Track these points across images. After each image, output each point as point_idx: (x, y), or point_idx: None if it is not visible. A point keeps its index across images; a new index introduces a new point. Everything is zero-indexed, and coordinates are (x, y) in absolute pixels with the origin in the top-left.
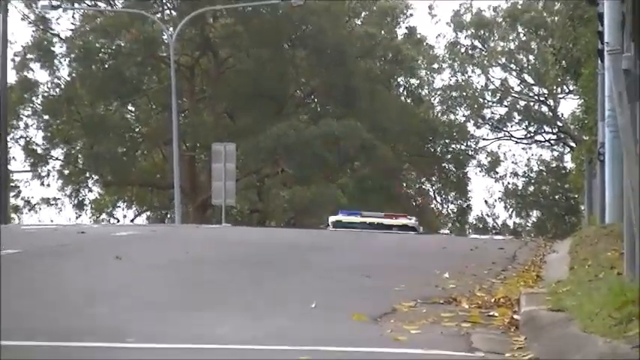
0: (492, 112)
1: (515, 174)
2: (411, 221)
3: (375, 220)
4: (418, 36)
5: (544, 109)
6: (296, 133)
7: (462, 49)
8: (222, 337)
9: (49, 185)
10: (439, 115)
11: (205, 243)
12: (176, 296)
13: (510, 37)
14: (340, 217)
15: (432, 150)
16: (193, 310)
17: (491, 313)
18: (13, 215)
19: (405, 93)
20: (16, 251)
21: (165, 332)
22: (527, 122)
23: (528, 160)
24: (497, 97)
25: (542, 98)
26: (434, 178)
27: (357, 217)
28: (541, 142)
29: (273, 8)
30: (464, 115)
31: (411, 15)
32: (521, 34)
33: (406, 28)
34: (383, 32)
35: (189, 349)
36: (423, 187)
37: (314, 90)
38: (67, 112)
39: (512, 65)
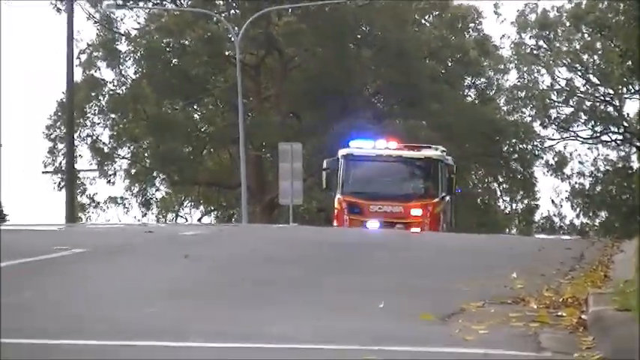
0: (558, 112)
1: (582, 174)
2: (437, 152)
3: (393, 153)
4: (486, 40)
5: (610, 109)
6: (360, 132)
7: (527, 50)
8: (290, 335)
9: (114, 184)
10: (505, 115)
11: (272, 242)
12: (243, 294)
13: (575, 38)
14: (352, 149)
15: (499, 150)
16: (260, 308)
17: (559, 314)
18: (80, 214)
19: (471, 93)
20: (83, 250)
21: (233, 331)
22: (593, 122)
23: (595, 160)
24: (563, 97)
25: (607, 98)
26: (500, 178)
27: (371, 148)
28: (607, 142)
29: (336, 6)
30: (530, 115)
31: (480, 22)
32: (586, 35)
33: (476, 34)
34: (451, 35)
35: (255, 348)
36: (490, 186)
37: (379, 89)
38: (132, 110)
39: (577, 65)
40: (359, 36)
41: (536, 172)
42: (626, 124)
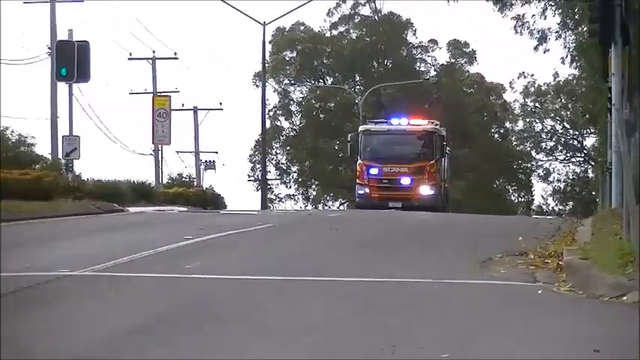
0: (546, 145)
1: (559, 180)
2: (431, 125)
3: (398, 127)
4: (506, 103)
5: (576, 142)
6: None
7: (529, 108)
8: (396, 275)
9: (289, 187)
10: (515, 146)
11: (385, 221)
12: (368, 253)
13: (557, 101)
14: (369, 126)
15: (511, 166)
16: (377, 261)
17: (546, 261)
18: (269, 205)
19: (496, 134)
20: (271, 225)
21: (365, 272)
22: (566, 150)
23: (566, 172)
24: (549, 136)
25: (574, 136)
26: (512, 183)
27: (386, 125)
28: (575, 162)
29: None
30: (529, 147)
31: (503, 92)
32: (563, 99)
33: (501, 100)
34: (486, 99)
35: (378, 281)
36: (505, 187)
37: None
38: (299, 145)
39: (557, 117)
40: (435, 97)
41: (533, 179)
42: (586, 151)
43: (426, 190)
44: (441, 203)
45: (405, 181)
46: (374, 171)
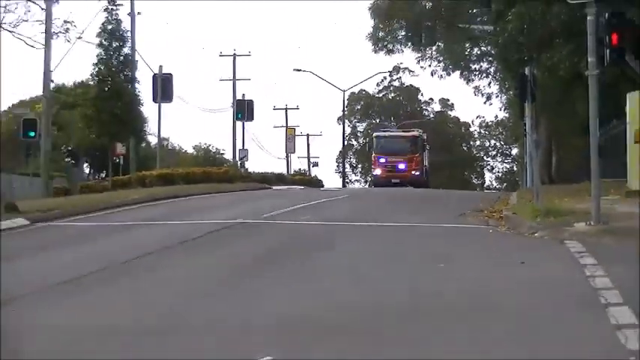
0: (491, 152)
1: (499, 171)
2: (418, 132)
3: (397, 134)
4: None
5: (507, 152)
6: None
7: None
8: (410, 222)
9: (357, 175)
10: (475, 154)
11: (400, 192)
12: (393, 207)
13: (497, 130)
14: (378, 132)
15: (474, 165)
16: (398, 212)
17: (494, 214)
18: (346, 185)
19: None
20: (347, 195)
21: (391, 221)
22: (502, 156)
23: (503, 168)
24: (493, 148)
25: (506, 148)
26: (474, 174)
27: (387, 132)
28: (507, 162)
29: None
30: (482, 154)
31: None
32: (500, 129)
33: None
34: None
35: (396, 225)
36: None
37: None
38: (362, 154)
39: (497, 138)
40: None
41: (485, 171)
42: (512, 156)
43: (414, 172)
44: (424, 180)
45: (401, 166)
46: (382, 160)
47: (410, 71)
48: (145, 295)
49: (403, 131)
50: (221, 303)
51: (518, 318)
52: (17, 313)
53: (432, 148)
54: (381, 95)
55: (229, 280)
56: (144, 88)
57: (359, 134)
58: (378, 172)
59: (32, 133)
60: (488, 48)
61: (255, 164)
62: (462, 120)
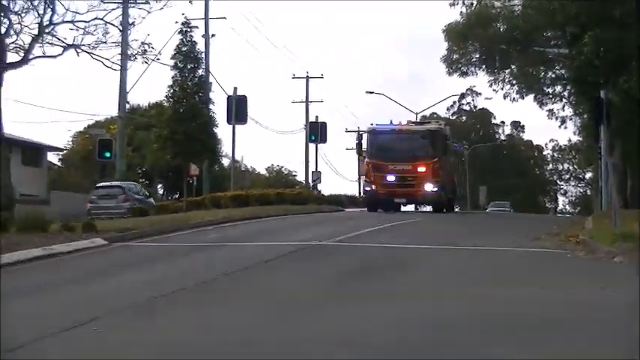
0: (564, 176)
1: (572, 195)
2: (436, 125)
3: (402, 128)
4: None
5: (581, 176)
6: None
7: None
8: (482, 244)
9: None
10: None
11: (466, 216)
12: (467, 235)
13: (570, 154)
14: (374, 127)
15: (547, 189)
16: (474, 236)
17: (570, 239)
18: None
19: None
20: (419, 219)
21: (468, 244)
22: (575, 180)
23: (576, 192)
24: (567, 172)
25: (580, 172)
26: (547, 197)
27: (387, 126)
28: (580, 186)
29: None
30: (556, 177)
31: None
32: (573, 152)
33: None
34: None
35: (474, 249)
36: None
37: None
38: None
39: (571, 162)
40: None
41: (558, 195)
42: (585, 180)
43: (430, 186)
44: (446, 199)
45: (410, 177)
46: (380, 168)
47: (478, 94)
48: (225, 316)
49: (413, 123)
50: (301, 325)
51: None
52: (99, 332)
53: (498, 168)
54: (454, 118)
55: (310, 301)
56: (218, 110)
57: None
58: (372, 186)
59: (108, 154)
60: (563, 71)
61: (327, 186)
62: (534, 143)
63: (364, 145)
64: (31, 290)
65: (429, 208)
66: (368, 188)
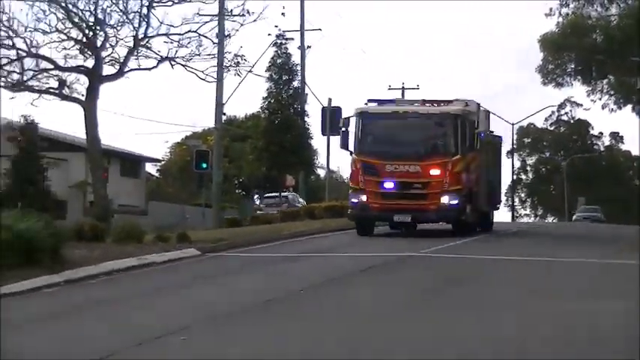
0: None
1: None
2: (456, 107)
3: (409, 109)
4: None
5: None
6: None
7: None
8: (576, 256)
9: (526, 209)
10: None
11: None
12: (556, 244)
13: None
14: (367, 107)
15: None
16: (562, 249)
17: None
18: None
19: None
20: (515, 230)
21: (564, 256)
22: None
23: None
24: None
25: None
26: None
27: (386, 106)
28: None
29: None
30: None
31: None
32: None
33: None
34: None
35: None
36: None
37: None
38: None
39: None
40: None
41: None
42: None
43: (445, 197)
44: (472, 214)
45: (417, 185)
46: (373, 171)
47: (578, 104)
48: (315, 329)
49: (427, 103)
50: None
51: None
52: (186, 342)
53: (596, 179)
54: (552, 128)
55: (398, 312)
56: (313, 121)
57: (528, 168)
58: (361, 196)
59: (204, 165)
60: None
61: None
62: (633, 154)
63: (352, 137)
64: (125, 299)
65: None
66: (355, 200)
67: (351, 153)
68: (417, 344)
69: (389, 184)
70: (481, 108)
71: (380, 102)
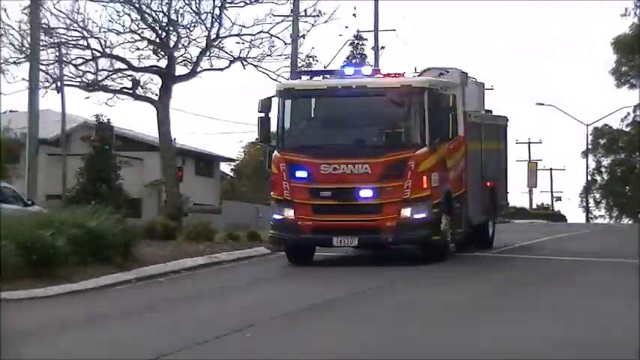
0: None
1: None
2: (422, 79)
3: (353, 82)
4: None
5: None
6: None
7: None
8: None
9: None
10: None
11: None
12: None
13: None
14: (292, 82)
15: None
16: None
17: None
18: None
19: None
20: (587, 231)
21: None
22: None
23: None
24: None
25: None
26: None
27: (325, 80)
28: None
29: None
30: None
31: None
32: None
33: None
34: None
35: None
36: None
37: None
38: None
39: None
40: None
41: None
42: None
43: (407, 209)
44: (448, 227)
45: (366, 192)
46: (304, 174)
47: None
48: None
49: (377, 73)
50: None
51: None
52: (253, 338)
53: None
54: (628, 129)
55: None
56: None
57: (603, 169)
58: (286, 211)
59: None
60: None
61: None
62: None
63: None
64: (194, 296)
65: None
66: (279, 216)
67: (273, 149)
68: None
69: (325, 193)
70: (470, 79)
71: (313, 74)
